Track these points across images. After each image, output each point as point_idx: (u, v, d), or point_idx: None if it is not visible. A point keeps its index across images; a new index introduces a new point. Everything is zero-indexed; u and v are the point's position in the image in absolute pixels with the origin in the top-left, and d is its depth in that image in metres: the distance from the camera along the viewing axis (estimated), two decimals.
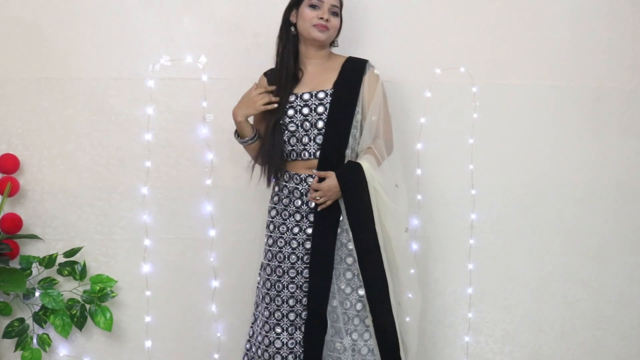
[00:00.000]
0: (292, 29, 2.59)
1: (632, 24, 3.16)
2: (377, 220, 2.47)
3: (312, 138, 2.52)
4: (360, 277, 2.47)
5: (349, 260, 2.51)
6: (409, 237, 2.67)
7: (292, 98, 2.54)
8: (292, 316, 2.53)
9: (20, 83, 2.92)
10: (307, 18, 2.52)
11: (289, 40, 2.60)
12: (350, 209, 2.47)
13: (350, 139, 2.52)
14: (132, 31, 2.93)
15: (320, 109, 2.52)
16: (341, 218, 2.51)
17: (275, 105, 2.53)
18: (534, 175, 3.14)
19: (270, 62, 2.72)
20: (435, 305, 3.14)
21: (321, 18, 2.50)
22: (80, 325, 2.92)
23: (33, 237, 2.92)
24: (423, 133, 3.03)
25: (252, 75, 2.86)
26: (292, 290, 2.53)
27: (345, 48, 2.76)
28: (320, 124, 2.51)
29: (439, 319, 3.16)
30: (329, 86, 2.55)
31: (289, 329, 2.52)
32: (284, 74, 2.57)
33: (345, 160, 2.53)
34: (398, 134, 3.00)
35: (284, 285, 2.54)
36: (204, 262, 2.99)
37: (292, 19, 2.59)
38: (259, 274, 2.67)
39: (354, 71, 2.56)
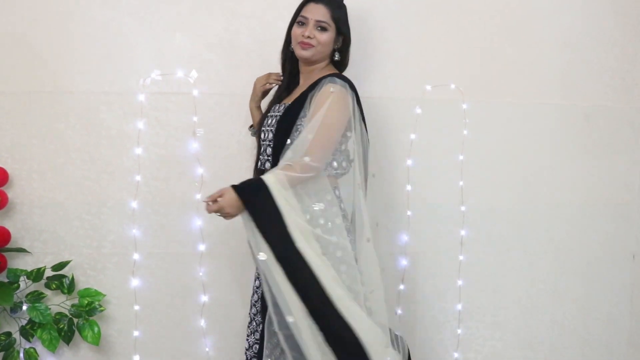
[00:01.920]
0: (291, 46, 2.59)
1: (622, 43, 3.19)
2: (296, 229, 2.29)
3: (264, 149, 2.55)
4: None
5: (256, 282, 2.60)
6: (372, 250, 2.47)
7: (276, 106, 2.59)
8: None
9: (11, 96, 2.92)
10: (294, 36, 2.53)
11: (287, 56, 2.63)
12: (259, 222, 2.29)
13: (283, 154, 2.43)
14: (124, 45, 2.94)
15: (272, 121, 2.53)
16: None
17: (270, 85, 2.69)
18: (524, 193, 3.15)
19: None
20: (424, 321, 3.14)
21: (307, 37, 2.49)
22: (68, 339, 2.90)
23: (21, 250, 2.91)
24: (413, 149, 3.04)
25: (243, 91, 2.88)
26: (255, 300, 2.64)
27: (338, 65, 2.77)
28: (270, 136, 2.52)
29: (428, 334, 3.15)
30: (290, 100, 2.57)
31: None
32: (281, 87, 2.65)
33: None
34: (388, 150, 3.03)
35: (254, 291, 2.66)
36: (193, 277, 2.98)
37: (288, 32, 2.60)
38: None
39: (312, 86, 2.50)
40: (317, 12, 2.49)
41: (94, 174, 2.96)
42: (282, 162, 2.35)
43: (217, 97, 2.96)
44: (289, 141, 2.42)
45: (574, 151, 3.18)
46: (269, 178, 2.29)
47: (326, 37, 2.51)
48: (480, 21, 3.10)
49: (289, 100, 2.57)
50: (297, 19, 2.53)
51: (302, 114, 2.45)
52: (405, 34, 3.05)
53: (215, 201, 2.29)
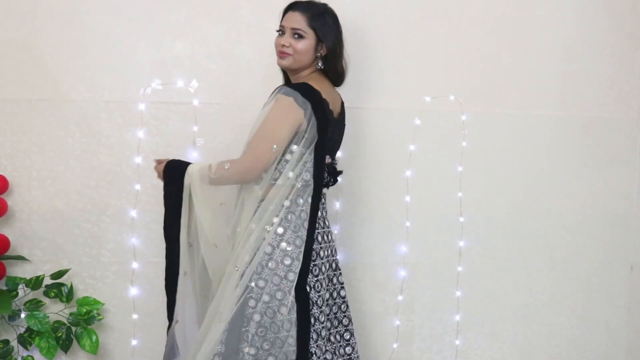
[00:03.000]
0: None
1: (620, 54, 3.20)
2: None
3: None
4: None
5: None
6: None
7: None
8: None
9: (11, 104, 2.92)
10: (275, 46, 2.53)
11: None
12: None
13: None
14: (124, 54, 2.94)
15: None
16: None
17: None
18: (523, 204, 3.16)
19: (261, 88, 2.75)
20: (422, 332, 3.14)
21: (282, 45, 2.48)
22: (66, 347, 2.89)
23: (20, 258, 2.90)
24: (412, 160, 3.05)
25: (243, 101, 2.89)
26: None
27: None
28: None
29: (427, 345, 3.16)
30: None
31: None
32: None
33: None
34: (387, 161, 3.04)
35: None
36: None
37: None
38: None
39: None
40: (293, 20, 2.48)
41: (94, 182, 2.96)
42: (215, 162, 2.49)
43: (217, 107, 2.97)
44: None
45: (572, 162, 3.20)
46: (193, 167, 2.48)
47: (302, 45, 2.48)
48: (479, 33, 3.11)
49: None
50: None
51: (256, 121, 2.51)
52: (404, 46, 3.07)
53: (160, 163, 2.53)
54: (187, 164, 2.51)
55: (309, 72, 2.54)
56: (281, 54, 2.49)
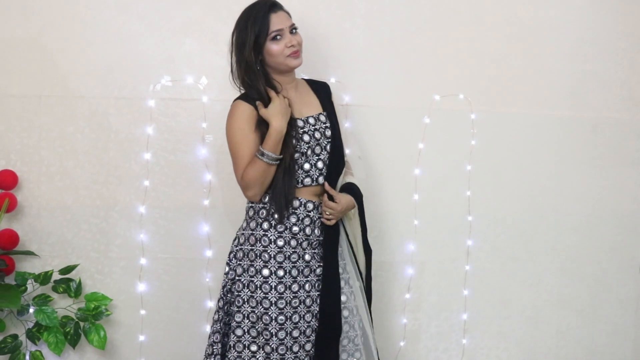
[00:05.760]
0: (257, 67, 2.46)
1: (630, 55, 3.19)
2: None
3: (325, 162, 2.52)
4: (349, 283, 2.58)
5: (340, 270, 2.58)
6: None
7: (300, 123, 2.49)
8: (308, 346, 2.47)
9: (21, 100, 2.93)
10: (277, 53, 2.43)
11: (258, 75, 2.47)
12: (363, 222, 2.62)
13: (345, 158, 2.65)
14: (134, 51, 2.95)
15: (329, 132, 2.54)
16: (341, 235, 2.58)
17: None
18: (531, 204, 3.15)
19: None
20: (429, 330, 3.14)
21: (291, 45, 2.44)
22: (74, 343, 2.91)
23: (29, 253, 2.91)
24: (421, 159, 3.04)
25: None
26: (309, 320, 2.48)
27: (346, 74, 2.78)
28: (330, 147, 2.53)
29: (433, 344, 3.15)
30: (319, 109, 2.57)
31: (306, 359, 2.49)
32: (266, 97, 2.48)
33: (339, 179, 2.58)
34: (396, 159, 3.04)
35: (300, 316, 2.47)
36: (200, 283, 2.99)
37: (250, 58, 2.44)
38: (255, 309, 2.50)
39: (325, 93, 2.61)
40: (284, 19, 2.46)
41: (103, 178, 2.97)
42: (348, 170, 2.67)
43: (226, 104, 2.90)
44: (348, 151, 2.70)
45: (581, 162, 3.19)
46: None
47: (301, 37, 2.50)
48: (489, 32, 3.10)
49: (312, 111, 2.55)
50: (267, 36, 2.42)
51: (337, 120, 2.60)
52: (414, 44, 3.06)
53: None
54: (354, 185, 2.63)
55: None
56: (295, 54, 2.46)
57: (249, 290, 2.45)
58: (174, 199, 2.99)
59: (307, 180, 2.50)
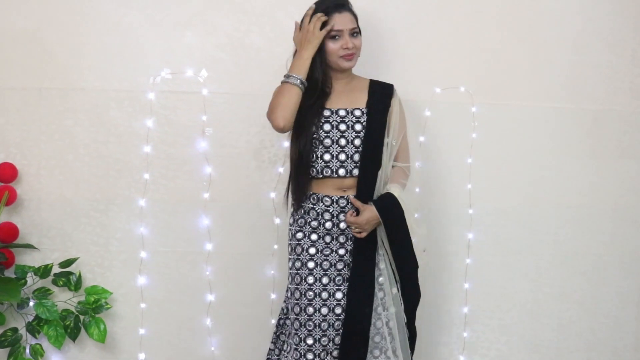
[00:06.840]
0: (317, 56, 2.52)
1: (632, 47, 3.18)
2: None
3: (349, 155, 2.52)
4: (391, 296, 2.54)
5: (381, 279, 2.54)
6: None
7: (326, 113, 2.53)
8: (324, 341, 2.48)
9: (21, 92, 2.92)
10: (331, 52, 2.50)
11: (323, 66, 2.54)
12: (392, 237, 2.53)
13: (383, 159, 2.56)
14: (134, 43, 2.94)
15: (358, 127, 2.53)
16: (378, 242, 2.55)
17: (327, 26, 2.48)
18: (532, 196, 3.15)
19: (271, 78, 2.70)
20: (430, 324, 3.13)
21: (346, 48, 2.49)
22: (74, 336, 2.90)
23: (29, 246, 2.91)
24: (422, 151, 3.04)
25: (253, 90, 2.89)
26: (325, 314, 2.49)
27: None
28: (358, 142, 2.52)
29: (434, 337, 3.15)
30: (361, 105, 2.57)
31: (321, 354, 2.48)
32: (316, 91, 2.53)
33: (377, 181, 2.54)
34: None
35: (315, 309, 2.49)
36: (200, 276, 2.98)
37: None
38: (285, 300, 2.62)
39: (382, 94, 2.60)
40: (348, 21, 2.50)
41: (103, 171, 2.96)
42: (396, 172, 2.60)
43: (226, 97, 2.96)
44: (385, 149, 2.56)
45: (582, 154, 3.18)
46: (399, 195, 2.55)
47: (360, 41, 2.57)
48: (489, 24, 3.09)
49: (349, 105, 2.56)
50: (327, 34, 2.48)
51: (387, 121, 2.58)
52: (414, 37, 3.05)
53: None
54: (390, 195, 2.54)
55: None
56: (348, 57, 2.51)
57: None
58: (174, 192, 2.98)
59: (327, 171, 2.51)
